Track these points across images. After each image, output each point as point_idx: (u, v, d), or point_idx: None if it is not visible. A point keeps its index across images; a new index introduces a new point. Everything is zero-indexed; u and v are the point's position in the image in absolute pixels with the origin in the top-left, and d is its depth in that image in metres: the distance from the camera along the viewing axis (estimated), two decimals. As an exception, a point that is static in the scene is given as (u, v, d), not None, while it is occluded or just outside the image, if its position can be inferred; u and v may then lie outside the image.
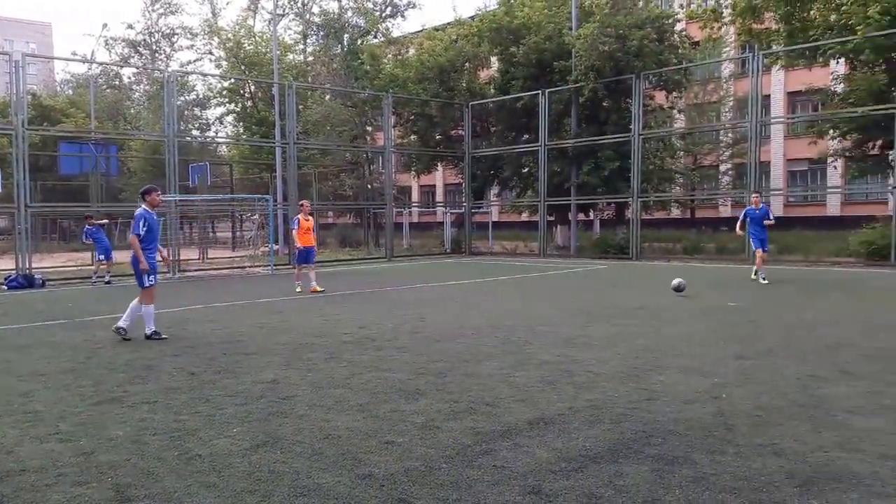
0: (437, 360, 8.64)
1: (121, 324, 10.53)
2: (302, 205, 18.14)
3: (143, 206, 10.66)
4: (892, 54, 21.93)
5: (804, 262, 24.01)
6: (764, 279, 17.53)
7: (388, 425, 5.94)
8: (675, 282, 15.19)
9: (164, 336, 10.41)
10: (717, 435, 5.55)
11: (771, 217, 18.00)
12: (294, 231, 17.73)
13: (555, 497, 4.39)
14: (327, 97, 40.71)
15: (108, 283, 20.77)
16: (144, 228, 10.47)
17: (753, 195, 18.61)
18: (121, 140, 45.37)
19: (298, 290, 17.18)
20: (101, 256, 21.08)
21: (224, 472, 4.94)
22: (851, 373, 7.62)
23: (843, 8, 23.40)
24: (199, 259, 28.81)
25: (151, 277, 10.52)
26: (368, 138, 41.75)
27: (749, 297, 14.95)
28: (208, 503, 4.41)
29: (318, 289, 17.09)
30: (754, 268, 18.29)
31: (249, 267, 26.25)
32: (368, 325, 11.56)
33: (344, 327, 11.44)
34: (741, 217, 18.41)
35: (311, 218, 17.75)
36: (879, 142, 25.06)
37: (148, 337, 10.37)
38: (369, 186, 40.07)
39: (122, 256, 26.25)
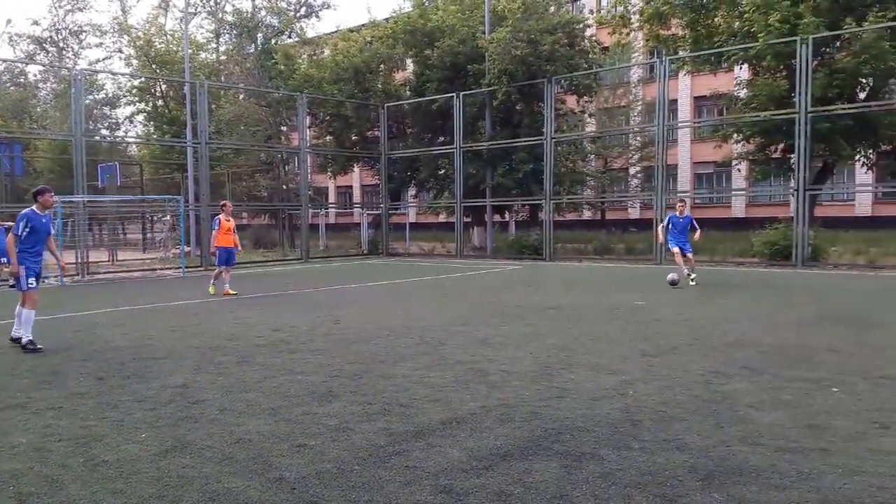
0: (351, 361, 8.63)
1: (22, 336, 9.78)
2: (224, 205, 17.73)
3: (34, 206, 9.94)
4: (792, 61, 22.79)
5: (710, 262, 24.72)
6: (693, 280, 17.25)
7: (301, 428, 5.91)
8: (670, 277, 16.55)
9: (39, 347, 9.58)
10: (624, 431, 5.70)
11: (696, 226, 17.47)
12: (214, 231, 17.33)
13: (465, 495, 4.45)
14: (241, 96, 40.16)
15: (11, 286, 19.95)
16: (26, 230, 9.72)
17: (679, 202, 18.41)
18: (26, 139, 43.89)
19: (212, 291, 16.86)
20: (4, 259, 20.28)
21: (131, 478, 4.85)
22: (753, 368, 7.91)
23: (745, 15, 24.24)
24: (108, 261, 28.02)
25: (32, 280, 9.82)
26: (283, 138, 41.36)
27: (655, 296, 15.34)
28: (114, 511, 4.32)
29: (231, 292, 16.79)
30: (686, 269, 17.42)
31: (160, 269, 25.65)
32: (282, 328, 11.44)
33: (257, 330, 11.30)
34: (665, 223, 17.98)
35: (232, 219, 17.42)
36: (781, 145, 26.00)
37: (22, 345, 9.68)
38: (284, 187, 39.65)
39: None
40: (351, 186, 59.86)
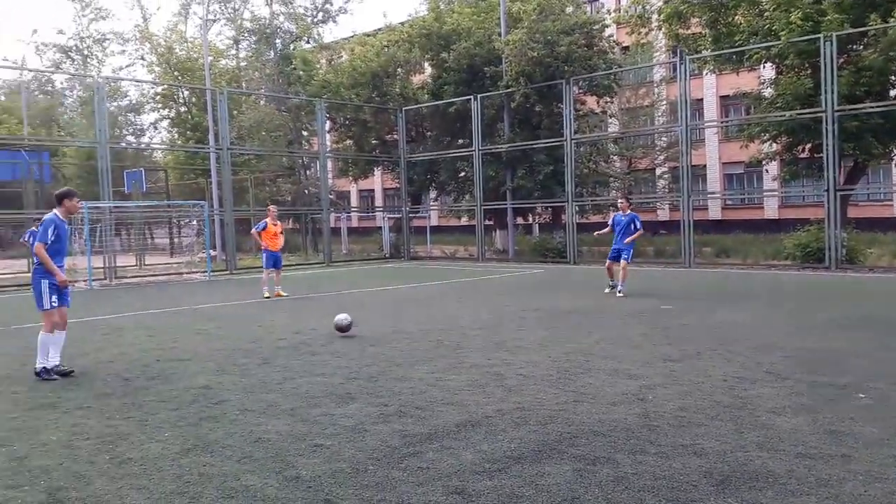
0: (369, 364, 8.70)
1: (43, 365, 8.39)
2: (269, 209, 18.05)
3: (56, 211, 8.67)
4: (816, 59, 22.46)
5: (741, 264, 24.51)
6: (620, 292, 15.85)
7: (318, 429, 6.01)
8: (339, 319, 11.04)
9: (55, 377, 8.27)
10: (641, 436, 5.68)
11: (637, 226, 16.26)
12: (255, 232, 17.64)
13: (477, 497, 4.48)
14: (261, 102, 40.43)
15: None
16: (53, 237, 8.52)
17: (621, 200, 17.51)
18: (54, 146, 44.45)
19: (266, 295, 17.03)
20: None
21: (154, 475, 5.02)
22: (777, 374, 7.78)
23: (765, 13, 23.98)
24: (136, 266, 28.39)
25: (55, 299, 8.47)
26: (304, 143, 41.53)
27: (683, 300, 15.21)
28: (137, 507, 4.45)
29: (283, 293, 17.11)
30: (614, 282, 16.36)
31: (187, 273, 25.91)
32: (303, 331, 11.54)
33: (279, 333, 11.42)
34: (610, 223, 16.83)
35: (279, 223, 17.74)
36: (809, 145, 25.55)
37: (37, 374, 8.34)
38: (306, 191, 39.85)
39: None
40: (373, 190, 60.05)
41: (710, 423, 5.98)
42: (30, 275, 21.05)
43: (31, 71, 50.56)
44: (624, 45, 38.00)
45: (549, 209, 34.35)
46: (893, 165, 28.35)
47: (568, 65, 28.34)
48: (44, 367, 8.31)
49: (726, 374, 7.80)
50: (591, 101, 33.70)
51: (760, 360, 8.50)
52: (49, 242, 8.49)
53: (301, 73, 38.54)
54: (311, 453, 5.38)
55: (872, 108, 22.28)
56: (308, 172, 41.11)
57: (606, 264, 16.65)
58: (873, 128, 22.94)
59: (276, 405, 6.81)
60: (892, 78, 24.06)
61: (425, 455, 5.28)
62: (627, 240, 16.14)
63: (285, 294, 17.23)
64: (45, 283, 8.42)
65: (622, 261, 16.16)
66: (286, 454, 5.37)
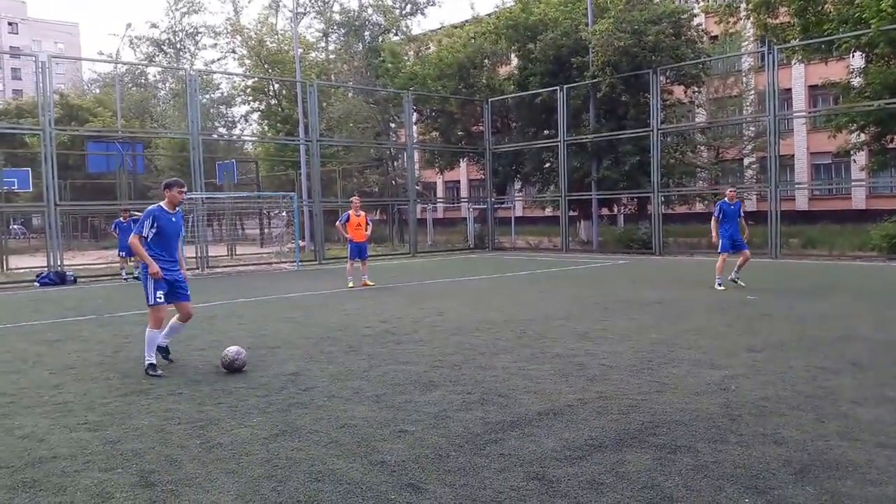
0: (453, 353, 8.83)
1: (150, 361, 8.09)
2: (352, 200, 18.32)
3: (162, 202, 8.41)
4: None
5: (828, 256, 23.94)
6: (739, 281, 15.43)
7: (403, 415, 6.15)
8: (228, 353, 8.21)
9: (159, 373, 7.96)
10: (722, 425, 5.69)
11: (742, 213, 15.67)
12: (340, 224, 17.95)
13: (557, 483, 4.57)
14: (350, 94, 41.01)
15: (133, 278, 20.96)
16: (153, 230, 8.16)
17: (730, 189, 16.60)
18: (147, 138, 46.04)
19: (350, 285, 17.31)
20: (123, 253, 21.39)
21: (243, 459, 5.16)
22: (860, 364, 7.71)
23: (856, 1, 23.28)
24: (227, 255, 29.25)
25: (160, 295, 8.17)
26: (392, 135, 42.01)
27: (769, 291, 14.95)
28: (228, 488, 4.62)
29: (370, 283, 17.43)
30: (732, 275, 15.54)
31: (276, 263, 26.59)
32: (389, 320, 11.77)
33: (366, 321, 11.66)
34: (716, 213, 15.72)
35: (362, 213, 17.92)
36: (897, 135, 24.91)
37: (147, 372, 8.02)
38: (393, 183, 40.31)
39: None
40: (458, 181, 60.31)
41: (791, 413, 5.96)
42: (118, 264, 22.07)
43: (125, 64, 52.37)
44: (712, 34, 37.25)
45: (635, 200, 33.93)
46: None
47: (655, 54, 27.93)
48: (151, 364, 8.02)
49: (809, 365, 7.73)
50: (679, 91, 33.17)
51: (844, 352, 8.40)
52: (146, 235, 8.14)
53: (389, 65, 38.97)
54: (396, 439, 5.51)
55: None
56: (395, 164, 41.58)
57: (723, 257, 15.45)
58: None
59: (361, 392, 6.99)
60: None
61: (507, 442, 5.38)
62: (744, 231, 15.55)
63: (371, 283, 17.53)
64: (150, 279, 8.12)
65: (745, 250, 15.43)
66: (371, 439, 5.51)
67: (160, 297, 8.16)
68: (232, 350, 8.17)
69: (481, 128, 35.55)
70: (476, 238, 35.53)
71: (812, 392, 6.62)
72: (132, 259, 21.41)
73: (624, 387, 6.98)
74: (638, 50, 27.80)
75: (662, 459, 4.95)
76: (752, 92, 41.58)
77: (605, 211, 36.96)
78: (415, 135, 35.69)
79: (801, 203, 42.86)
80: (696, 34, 30.72)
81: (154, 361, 8.10)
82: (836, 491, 4.36)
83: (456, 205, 53.93)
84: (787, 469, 4.73)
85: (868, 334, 9.55)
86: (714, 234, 15.74)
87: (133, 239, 8.22)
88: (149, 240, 8.20)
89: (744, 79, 42.58)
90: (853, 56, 27.36)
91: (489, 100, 33.82)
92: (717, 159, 41.12)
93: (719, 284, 15.24)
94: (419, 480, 4.67)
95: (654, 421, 5.84)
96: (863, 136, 26.73)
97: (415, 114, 35.84)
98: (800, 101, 43.77)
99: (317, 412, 6.31)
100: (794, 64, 37.08)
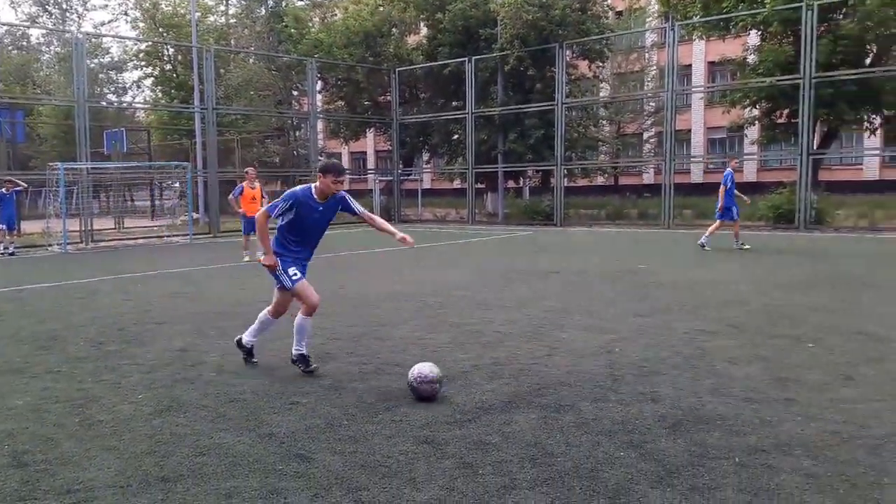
0: (352, 324, 8.82)
1: (299, 352, 6.72)
2: (247, 172, 17.68)
3: (313, 185, 6.65)
4: (798, 27, 22.83)
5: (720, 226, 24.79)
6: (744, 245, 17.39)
7: (295, 388, 6.11)
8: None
9: (312, 366, 6.67)
10: (604, 385, 5.96)
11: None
12: (233, 198, 17.28)
13: (445, 445, 4.67)
14: (251, 60, 40.11)
15: (11, 254, 20.02)
16: (289, 215, 6.57)
17: (735, 161, 18.29)
18: (28, 105, 43.76)
19: (246, 259, 16.76)
20: (3, 226, 20.31)
21: (125, 436, 5.01)
22: (738, 326, 8.22)
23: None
24: (115, 229, 28.19)
25: (293, 270, 6.66)
26: (294, 103, 41.31)
27: (660, 260, 15.58)
28: (107, 465, 4.48)
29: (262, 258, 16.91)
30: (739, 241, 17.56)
31: (168, 236, 25.75)
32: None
33: (263, 296, 11.35)
34: (725, 181, 17.27)
35: (257, 185, 17.31)
36: (787, 111, 26.15)
37: (293, 360, 6.78)
38: (295, 153, 39.74)
39: (30, 227, 25.67)
40: (365, 152, 59.80)
41: (670, 373, 6.31)
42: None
43: (4, 25, 49.75)
44: (617, 10, 37.86)
45: (540, 172, 34.45)
46: (865, 131, 28.98)
47: (562, 29, 28.28)
48: (301, 354, 6.69)
49: (690, 328, 8.14)
50: (584, 66, 33.66)
51: (725, 315, 8.87)
52: (275, 215, 6.58)
53: (292, 31, 38.27)
54: (287, 411, 5.47)
55: (847, 75, 23.00)
56: (297, 134, 41.00)
57: (720, 223, 17.56)
58: (847, 95, 23.84)
59: (253, 366, 6.89)
60: (868, 47, 24.72)
61: (399, 409, 5.43)
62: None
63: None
64: (277, 259, 6.68)
65: (738, 219, 17.59)
66: (261, 412, 5.45)
67: (295, 275, 6.64)
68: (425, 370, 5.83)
69: (388, 98, 35.30)
70: (382, 210, 35.40)
71: (690, 353, 7.01)
72: (13, 233, 20.50)
73: (516, 352, 7.15)
74: (545, 24, 28.08)
75: (547, 418, 5.15)
76: (654, 68, 42.58)
77: (511, 183, 37.37)
78: (319, 104, 35.19)
79: (697, 176, 44.23)
80: (601, 9, 31.20)
81: (250, 339, 7.15)
82: (703, 442, 4.66)
83: (362, 177, 53.57)
84: (661, 424, 5.02)
85: (749, 299, 10.11)
86: (721, 202, 17.30)
87: (260, 216, 6.78)
88: (282, 223, 6.73)
89: (646, 55, 43.52)
90: (749, 34, 28.41)
91: (397, 69, 33.60)
92: (619, 133, 42.05)
93: (706, 246, 17.07)
94: (308, 450, 4.65)
95: (542, 383, 6.04)
96: (755, 112, 27.85)
97: (319, 82, 35.32)
98: (699, 76, 45.09)
99: (205, 387, 6.17)
100: (695, 40, 38.14)
